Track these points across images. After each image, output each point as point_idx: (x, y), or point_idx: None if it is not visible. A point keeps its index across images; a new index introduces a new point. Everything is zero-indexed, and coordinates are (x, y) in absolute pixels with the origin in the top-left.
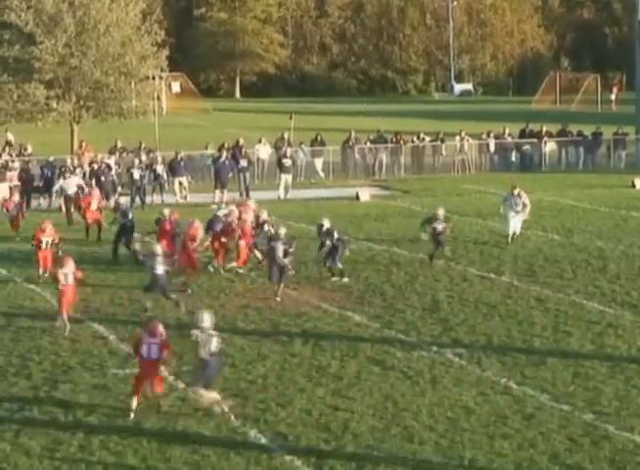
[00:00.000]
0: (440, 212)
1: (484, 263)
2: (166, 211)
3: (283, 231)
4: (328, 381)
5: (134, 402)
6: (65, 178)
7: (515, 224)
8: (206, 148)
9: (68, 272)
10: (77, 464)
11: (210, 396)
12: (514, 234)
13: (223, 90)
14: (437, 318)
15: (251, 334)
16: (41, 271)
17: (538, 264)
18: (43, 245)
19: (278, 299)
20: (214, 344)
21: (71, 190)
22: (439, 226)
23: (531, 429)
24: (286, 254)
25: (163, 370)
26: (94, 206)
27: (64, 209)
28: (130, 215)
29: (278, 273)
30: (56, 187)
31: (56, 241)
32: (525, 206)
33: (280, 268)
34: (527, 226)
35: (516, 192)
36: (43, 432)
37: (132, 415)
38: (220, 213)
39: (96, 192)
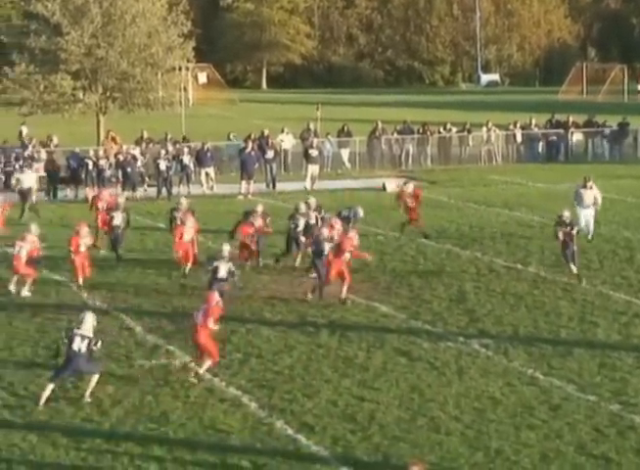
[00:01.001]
0: None
1: (511, 254)
2: (184, 201)
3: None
4: (354, 372)
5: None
6: (22, 171)
7: (587, 220)
8: (229, 138)
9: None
10: (103, 455)
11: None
12: (588, 231)
13: (250, 81)
14: (464, 309)
15: (277, 325)
16: (81, 280)
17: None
18: (82, 248)
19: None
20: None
21: (27, 184)
22: None
23: (558, 419)
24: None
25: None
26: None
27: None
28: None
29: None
30: (13, 179)
31: (91, 243)
32: (596, 199)
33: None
34: (555, 217)
35: (589, 184)
36: (69, 423)
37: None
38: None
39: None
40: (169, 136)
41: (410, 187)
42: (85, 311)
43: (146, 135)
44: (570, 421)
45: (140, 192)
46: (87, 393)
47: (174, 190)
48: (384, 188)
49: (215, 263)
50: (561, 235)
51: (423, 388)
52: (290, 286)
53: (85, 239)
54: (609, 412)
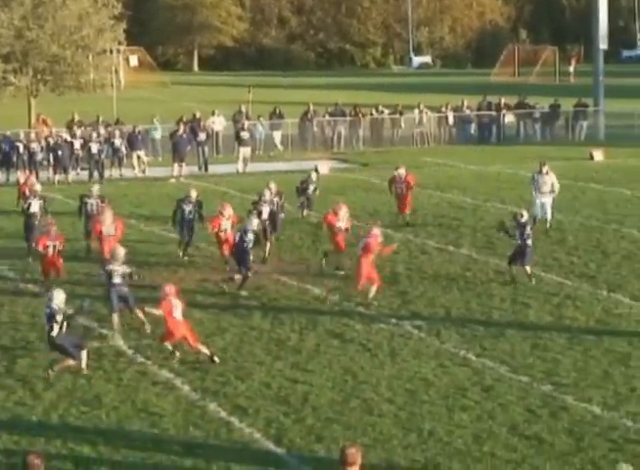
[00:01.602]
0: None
1: (443, 236)
2: (95, 189)
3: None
4: (287, 354)
5: None
6: None
7: (545, 207)
8: (153, 121)
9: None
10: (36, 439)
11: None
12: (547, 219)
13: (181, 64)
14: (396, 291)
15: (210, 307)
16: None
17: (497, 237)
18: (50, 250)
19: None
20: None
21: None
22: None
23: (490, 401)
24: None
25: None
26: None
27: None
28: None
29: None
30: None
31: (61, 245)
32: (554, 185)
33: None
34: (487, 198)
35: (544, 170)
36: (1, 406)
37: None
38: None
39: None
40: (101, 119)
41: (402, 172)
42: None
43: (77, 118)
44: (502, 402)
45: (71, 175)
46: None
47: (106, 173)
48: (316, 170)
49: (109, 267)
50: (518, 237)
51: (356, 370)
52: (219, 272)
53: (54, 240)
54: (541, 393)
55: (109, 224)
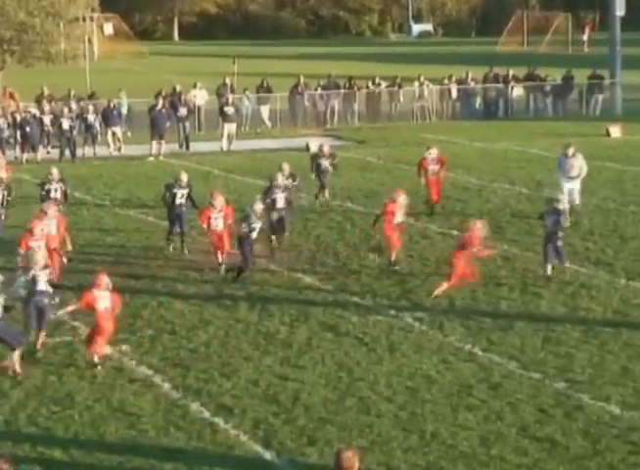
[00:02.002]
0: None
1: (446, 220)
2: (55, 172)
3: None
4: (276, 349)
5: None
6: None
7: (572, 193)
8: (119, 95)
9: None
10: (3, 441)
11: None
12: (573, 205)
13: (160, 32)
14: (395, 280)
15: (192, 298)
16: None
17: (505, 220)
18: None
19: None
20: None
21: None
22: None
23: (498, 399)
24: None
25: None
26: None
27: None
28: None
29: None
30: None
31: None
32: (582, 169)
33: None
34: (493, 179)
35: (570, 153)
36: None
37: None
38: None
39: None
40: (73, 93)
41: (433, 152)
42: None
43: (47, 92)
44: (511, 401)
45: (41, 153)
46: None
47: (79, 151)
48: (307, 148)
49: (32, 273)
50: (550, 224)
51: (351, 366)
52: (205, 256)
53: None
54: (554, 391)
55: (49, 221)
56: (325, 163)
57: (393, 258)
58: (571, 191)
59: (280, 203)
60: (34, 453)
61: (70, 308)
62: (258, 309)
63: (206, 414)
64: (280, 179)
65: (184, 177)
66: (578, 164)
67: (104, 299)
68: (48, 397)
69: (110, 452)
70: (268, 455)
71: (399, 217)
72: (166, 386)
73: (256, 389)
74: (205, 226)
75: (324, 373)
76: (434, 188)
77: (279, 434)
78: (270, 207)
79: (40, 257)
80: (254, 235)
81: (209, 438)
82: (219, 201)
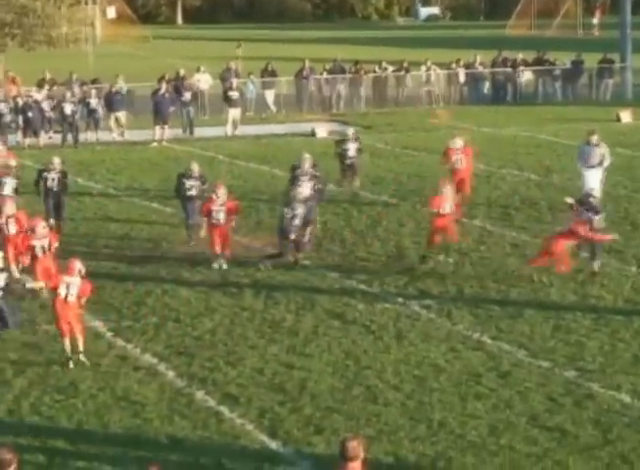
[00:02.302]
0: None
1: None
2: (57, 161)
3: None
4: (282, 337)
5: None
6: None
7: (593, 182)
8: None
9: None
10: (5, 431)
11: None
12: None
13: (164, 16)
14: (403, 267)
15: (197, 285)
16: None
17: (514, 207)
18: (38, 252)
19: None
20: None
21: None
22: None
23: (507, 388)
24: None
25: None
26: None
27: None
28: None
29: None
30: None
31: (54, 244)
32: (604, 157)
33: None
34: (502, 165)
35: (594, 141)
36: None
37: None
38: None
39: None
40: (75, 77)
41: (458, 142)
42: None
43: (49, 76)
44: (520, 390)
45: (43, 139)
46: None
47: (81, 137)
48: (313, 134)
49: None
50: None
51: (358, 354)
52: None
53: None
54: (564, 380)
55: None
56: (352, 147)
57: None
58: (593, 179)
59: (306, 192)
60: (38, 442)
61: (37, 285)
62: (264, 297)
63: (212, 403)
64: (307, 166)
65: (195, 168)
66: (601, 153)
67: (71, 285)
68: (51, 385)
69: (114, 441)
70: (274, 445)
71: (447, 208)
72: (171, 374)
73: (262, 377)
74: (204, 219)
75: (331, 361)
76: (459, 179)
77: (285, 423)
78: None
79: None
80: (297, 222)
81: (215, 427)
82: (222, 193)
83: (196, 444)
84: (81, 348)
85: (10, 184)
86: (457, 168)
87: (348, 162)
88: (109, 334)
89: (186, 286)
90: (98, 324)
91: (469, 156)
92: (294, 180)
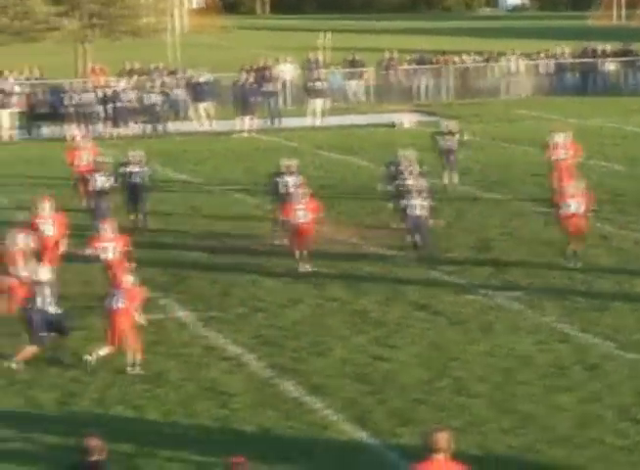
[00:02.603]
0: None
1: (542, 197)
2: (293, 162)
3: None
4: (368, 328)
5: None
6: None
7: None
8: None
9: None
10: (92, 420)
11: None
12: None
13: (247, 6)
14: (489, 258)
15: (283, 276)
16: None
17: (601, 198)
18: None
19: None
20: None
21: None
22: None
23: (595, 381)
24: None
25: None
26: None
27: None
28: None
29: None
30: None
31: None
32: None
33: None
34: (589, 156)
35: None
36: (54, 383)
37: None
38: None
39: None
40: (159, 67)
41: (559, 137)
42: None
43: (133, 66)
44: (609, 383)
45: (130, 129)
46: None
47: (164, 127)
48: (397, 124)
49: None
50: None
51: (444, 345)
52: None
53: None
54: None
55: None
56: (450, 141)
57: (573, 248)
58: None
59: (423, 183)
60: (125, 432)
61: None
62: (349, 288)
63: (298, 394)
64: (406, 164)
65: (293, 163)
66: None
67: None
68: (139, 375)
69: (201, 431)
70: (361, 436)
71: (573, 208)
72: (258, 364)
73: (348, 368)
74: (283, 219)
75: (417, 353)
76: (559, 175)
77: (371, 414)
78: (396, 194)
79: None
80: (420, 212)
81: (302, 418)
82: (302, 193)
83: (283, 434)
84: (130, 359)
85: (100, 181)
86: (558, 163)
87: (449, 156)
88: (197, 324)
89: (272, 276)
90: (185, 314)
91: (576, 154)
92: (395, 175)
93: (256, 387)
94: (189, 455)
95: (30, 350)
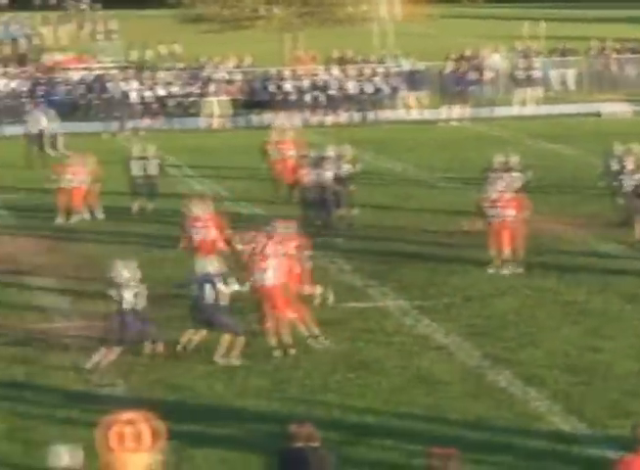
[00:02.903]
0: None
1: None
2: (515, 159)
3: None
4: (578, 318)
5: None
6: (32, 113)
7: None
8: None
9: None
10: (300, 405)
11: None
12: None
13: None
14: None
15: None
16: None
17: None
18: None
19: None
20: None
21: (36, 127)
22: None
23: None
24: None
25: None
26: None
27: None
28: None
29: None
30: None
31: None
32: None
33: None
34: None
35: None
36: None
37: None
38: None
39: None
40: (371, 55)
41: None
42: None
43: (344, 55)
44: None
45: (340, 116)
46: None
47: (369, 115)
48: (598, 115)
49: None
50: None
51: None
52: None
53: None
54: None
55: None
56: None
57: None
58: None
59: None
60: (337, 419)
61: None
62: (556, 278)
63: (510, 384)
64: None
65: (514, 159)
66: None
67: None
68: (357, 362)
69: (414, 420)
70: (572, 427)
71: None
72: (470, 354)
73: (560, 359)
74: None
75: (630, 344)
76: None
77: (583, 405)
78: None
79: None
80: None
81: (512, 408)
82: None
83: (495, 424)
84: (307, 332)
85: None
86: None
87: None
88: (407, 312)
89: (481, 266)
90: (395, 303)
91: None
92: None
93: (466, 377)
94: (402, 445)
95: (240, 341)
